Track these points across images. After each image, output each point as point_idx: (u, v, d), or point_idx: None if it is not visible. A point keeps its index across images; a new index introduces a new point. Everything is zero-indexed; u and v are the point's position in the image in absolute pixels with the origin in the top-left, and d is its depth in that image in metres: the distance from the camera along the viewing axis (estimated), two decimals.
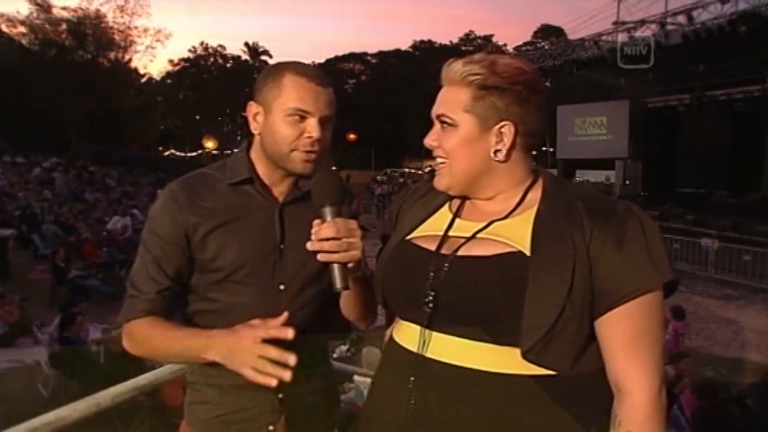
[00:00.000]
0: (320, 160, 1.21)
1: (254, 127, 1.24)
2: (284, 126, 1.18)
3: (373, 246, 1.19)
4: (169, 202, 1.23)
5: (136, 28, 33.79)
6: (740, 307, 9.41)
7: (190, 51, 48.16)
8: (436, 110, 1.04)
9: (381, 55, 52.64)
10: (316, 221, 1.07)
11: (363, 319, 1.26)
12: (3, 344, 6.37)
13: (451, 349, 0.96)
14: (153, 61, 40.92)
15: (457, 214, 1.08)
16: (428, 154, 1.06)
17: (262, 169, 1.26)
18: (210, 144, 46.34)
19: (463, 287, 0.95)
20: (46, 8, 31.03)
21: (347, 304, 1.23)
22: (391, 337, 1.10)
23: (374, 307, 1.22)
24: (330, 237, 1.04)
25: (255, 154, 1.27)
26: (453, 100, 1.01)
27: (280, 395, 1.22)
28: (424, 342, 0.99)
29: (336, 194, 1.09)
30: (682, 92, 18.20)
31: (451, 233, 1.04)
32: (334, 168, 1.18)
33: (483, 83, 0.98)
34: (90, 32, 31.89)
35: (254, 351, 1.04)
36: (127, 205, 13.84)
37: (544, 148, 32.35)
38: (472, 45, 50.81)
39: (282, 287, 1.24)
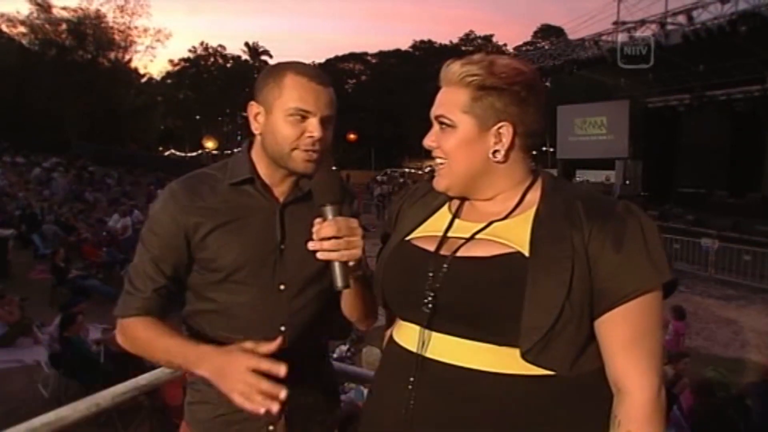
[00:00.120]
0: (321, 159, 1.21)
1: (255, 127, 1.24)
2: (285, 126, 1.18)
3: (373, 246, 1.19)
4: (170, 202, 1.23)
5: (136, 28, 33.90)
6: (740, 307, 9.41)
7: (190, 51, 48.29)
8: (434, 111, 1.04)
9: (381, 55, 52.66)
10: (318, 220, 1.07)
11: (364, 319, 1.26)
12: (3, 344, 6.39)
13: (450, 350, 0.96)
14: (153, 61, 41.09)
15: (456, 215, 1.08)
16: (428, 154, 1.06)
17: (263, 169, 1.26)
18: (210, 144, 46.36)
19: (462, 288, 0.96)
20: (46, 8, 31.08)
21: (348, 305, 1.23)
22: (390, 338, 1.10)
23: (375, 307, 1.22)
24: (331, 236, 1.05)
25: (256, 154, 1.27)
26: (451, 101, 1.01)
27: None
28: (423, 342, 0.99)
29: (337, 193, 1.09)
30: (682, 92, 18.20)
31: (450, 234, 1.04)
32: (334, 168, 1.18)
33: (481, 84, 0.98)
34: (90, 32, 31.92)
35: (245, 379, 1.01)
36: (127, 205, 13.84)
37: (544, 148, 32.39)
38: (472, 45, 50.82)
39: (282, 287, 1.24)
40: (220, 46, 49.18)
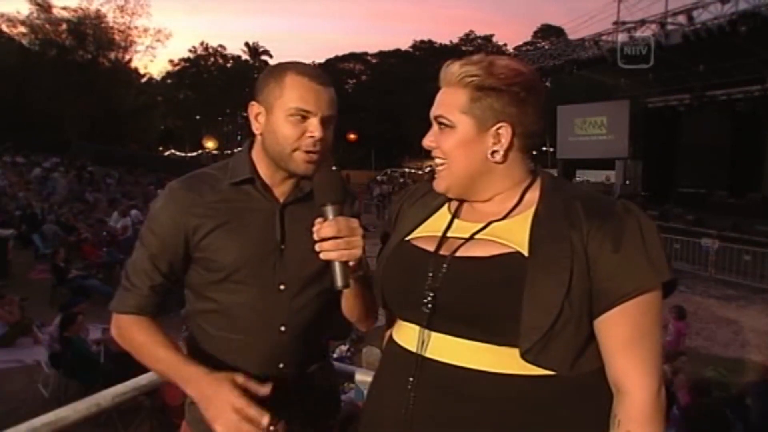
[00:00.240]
0: (322, 160, 1.21)
1: (256, 128, 1.24)
2: (286, 126, 1.19)
3: (373, 246, 1.19)
4: (170, 202, 1.23)
5: (136, 28, 33.90)
6: (740, 307, 9.41)
7: (190, 51, 48.27)
8: (434, 111, 1.04)
9: (381, 55, 52.69)
10: (318, 219, 1.08)
11: (364, 319, 1.26)
12: (3, 344, 6.39)
13: (450, 350, 0.96)
14: (153, 61, 41.08)
15: (455, 215, 1.08)
16: (428, 154, 1.07)
17: (263, 170, 1.26)
18: (210, 144, 46.36)
19: (461, 288, 0.96)
20: (46, 8, 31.07)
21: (348, 305, 1.23)
22: (390, 338, 1.11)
23: (375, 307, 1.22)
24: (331, 235, 1.05)
25: (256, 154, 1.27)
26: (450, 102, 1.02)
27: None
28: (423, 342, 0.99)
29: (338, 193, 1.09)
30: (682, 92, 18.19)
31: (449, 234, 1.04)
32: (334, 168, 1.18)
33: (480, 84, 0.99)
34: (90, 32, 31.92)
35: (228, 416, 1.03)
36: (127, 205, 13.84)
37: (544, 148, 32.40)
38: (472, 45, 50.84)
39: (282, 287, 1.24)
40: (220, 46, 49.26)
